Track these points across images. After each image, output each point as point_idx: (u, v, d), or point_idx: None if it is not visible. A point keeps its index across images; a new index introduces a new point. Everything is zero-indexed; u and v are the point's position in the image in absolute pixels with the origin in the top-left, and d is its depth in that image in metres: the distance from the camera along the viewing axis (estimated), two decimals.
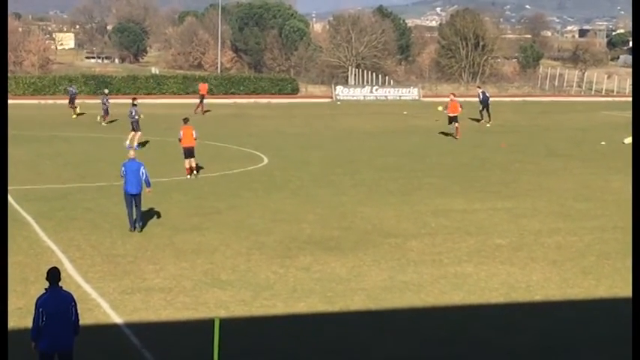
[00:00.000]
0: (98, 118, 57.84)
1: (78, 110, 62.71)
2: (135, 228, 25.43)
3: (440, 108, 61.68)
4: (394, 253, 23.83)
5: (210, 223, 27.09)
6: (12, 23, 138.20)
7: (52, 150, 44.69)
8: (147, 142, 46.65)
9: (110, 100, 58.59)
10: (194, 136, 35.25)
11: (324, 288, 20.43)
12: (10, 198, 30.50)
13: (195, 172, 35.24)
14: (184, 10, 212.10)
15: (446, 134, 51.35)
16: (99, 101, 59.69)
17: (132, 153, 26.43)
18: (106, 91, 60.48)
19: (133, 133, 45.81)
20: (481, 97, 61.76)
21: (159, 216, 27.54)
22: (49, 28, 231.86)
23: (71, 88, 65.70)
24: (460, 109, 50.43)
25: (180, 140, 35.52)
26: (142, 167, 25.76)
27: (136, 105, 47.09)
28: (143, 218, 25.82)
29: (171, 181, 33.87)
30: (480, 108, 61.17)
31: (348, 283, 20.91)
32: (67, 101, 65.07)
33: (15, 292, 19.36)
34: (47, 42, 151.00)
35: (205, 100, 68.04)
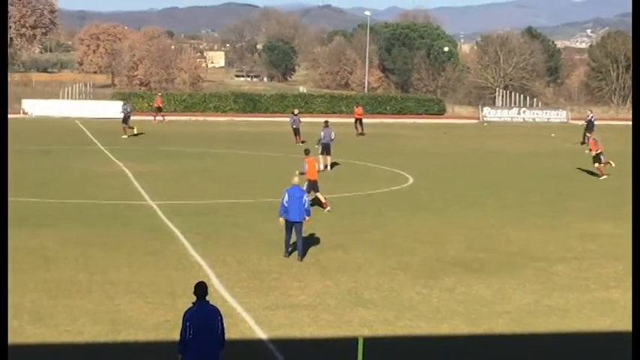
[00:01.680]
0: (298, 142, 55.80)
1: (135, 130, 59.77)
2: (289, 254, 24.79)
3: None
4: (539, 276, 23.50)
5: (355, 242, 27.20)
6: (164, 41, 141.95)
7: (202, 165, 45.56)
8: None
9: (301, 119, 57.61)
10: (318, 168, 32.75)
11: (467, 310, 20.29)
12: (159, 212, 31.32)
13: (328, 208, 32.57)
14: (333, 29, 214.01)
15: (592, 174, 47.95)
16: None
17: (296, 179, 25.63)
18: (296, 111, 59.25)
19: (322, 156, 43.77)
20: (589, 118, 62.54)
21: (304, 234, 27.76)
22: (201, 47, 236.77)
23: (126, 106, 61.41)
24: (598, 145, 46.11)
25: (303, 173, 32.47)
26: (305, 195, 25.17)
27: (327, 127, 44.71)
28: (304, 247, 25.27)
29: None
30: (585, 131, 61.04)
31: (492, 305, 20.71)
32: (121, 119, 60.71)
33: (163, 305, 19.81)
34: (198, 60, 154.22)
35: (347, 120, 67.92)
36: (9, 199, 33.34)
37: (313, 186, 32.69)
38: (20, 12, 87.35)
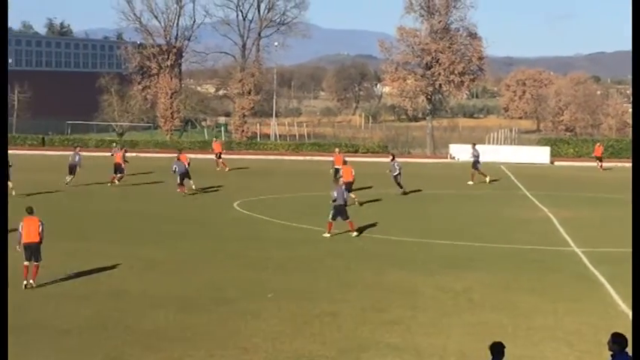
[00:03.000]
0: None
1: (487, 179, 57.05)
2: None
3: None
4: None
5: None
6: (591, 86, 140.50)
7: (627, 212, 44.34)
8: None
9: None
10: None
11: None
12: (584, 259, 30.98)
13: None
14: None
15: None
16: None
17: None
18: None
19: None
20: None
21: None
22: (627, 92, 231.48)
23: (474, 151, 58.69)
24: None
25: None
26: None
27: None
28: None
29: None
30: None
31: None
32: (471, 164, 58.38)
33: (589, 354, 19.54)
34: (625, 105, 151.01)
35: None
36: (436, 241, 34.48)
37: None
38: (449, 59, 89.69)
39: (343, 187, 37.17)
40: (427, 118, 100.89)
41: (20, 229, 25.71)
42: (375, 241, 34.64)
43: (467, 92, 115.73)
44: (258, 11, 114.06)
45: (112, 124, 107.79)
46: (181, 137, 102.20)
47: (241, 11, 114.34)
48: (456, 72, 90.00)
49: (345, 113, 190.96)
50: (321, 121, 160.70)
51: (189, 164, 50.07)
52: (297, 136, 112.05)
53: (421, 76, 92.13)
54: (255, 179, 57.57)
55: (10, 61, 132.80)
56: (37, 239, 25.64)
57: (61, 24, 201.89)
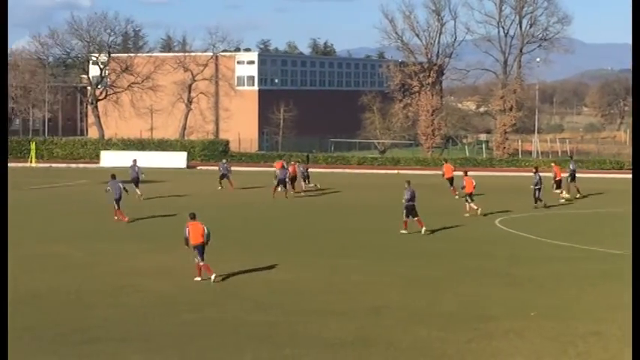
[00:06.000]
0: None
1: (566, 194, 53.83)
2: None
3: None
4: None
5: None
6: None
7: None
8: None
9: None
10: None
11: None
12: None
13: None
14: None
15: None
16: None
17: None
18: None
19: None
20: None
21: None
22: None
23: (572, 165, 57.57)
24: None
25: None
26: None
27: None
28: None
29: None
30: None
31: None
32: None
33: None
34: None
35: None
36: None
37: None
38: None
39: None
40: None
41: (186, 233, 28.97)
42: None
43: None
44: (520, 27, 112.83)
45: (374, 141, 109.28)
46: (442, 154, 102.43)
47: (503, 27, 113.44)
48: None
49: (609, 129, 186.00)
50: (584, 137, 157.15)
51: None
52: (559, 153, 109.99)
53: None
54: (517, 196, 56.71)
55: (276, 80, 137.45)
56: (201, 240, 28.80)
57: (325, 44, 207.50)
